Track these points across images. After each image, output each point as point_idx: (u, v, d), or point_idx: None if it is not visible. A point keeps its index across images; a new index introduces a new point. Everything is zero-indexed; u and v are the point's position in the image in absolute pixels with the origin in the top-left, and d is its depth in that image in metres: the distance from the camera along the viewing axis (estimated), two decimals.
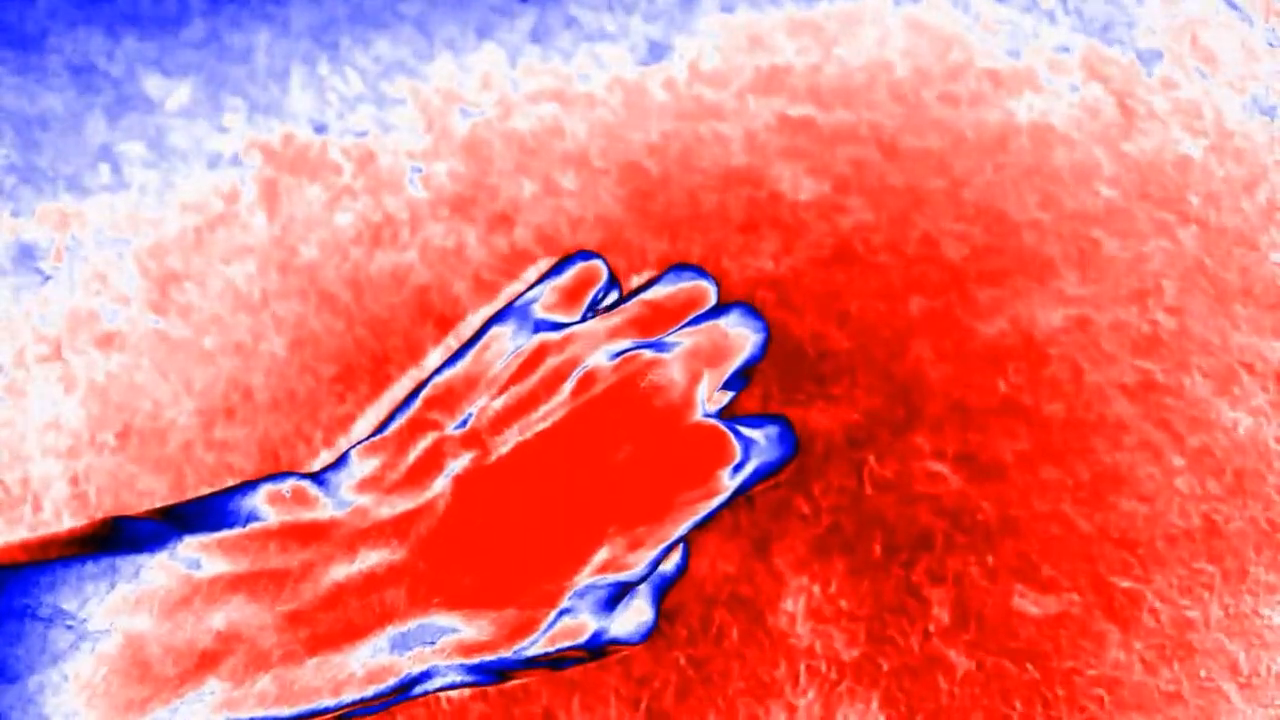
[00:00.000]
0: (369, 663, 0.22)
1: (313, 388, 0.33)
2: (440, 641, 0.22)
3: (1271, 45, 0.38)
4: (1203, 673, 0.30)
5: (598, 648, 0.24)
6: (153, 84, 0.36)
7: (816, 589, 0.31)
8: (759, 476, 0.26)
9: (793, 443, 0.27)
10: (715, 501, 0.25)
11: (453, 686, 0.23)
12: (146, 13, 0.37)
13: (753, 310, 0.27)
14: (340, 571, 0.22)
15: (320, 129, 0.36)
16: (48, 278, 0.34)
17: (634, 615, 0.25)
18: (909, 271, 0.35)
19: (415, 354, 0.33)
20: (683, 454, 0.24)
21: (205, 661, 0.20)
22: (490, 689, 0.30)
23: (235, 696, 0.20)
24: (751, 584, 0.31)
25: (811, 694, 0.30)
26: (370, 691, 0.22)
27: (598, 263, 0.28)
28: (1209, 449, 0.32)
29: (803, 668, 0.30)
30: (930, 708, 0.30)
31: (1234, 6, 0.38)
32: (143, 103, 0.36)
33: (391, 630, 0.22)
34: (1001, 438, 0.33)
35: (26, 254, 0.34)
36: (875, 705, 0.30)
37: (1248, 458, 0.32)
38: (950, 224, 0.35)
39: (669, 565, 0.27)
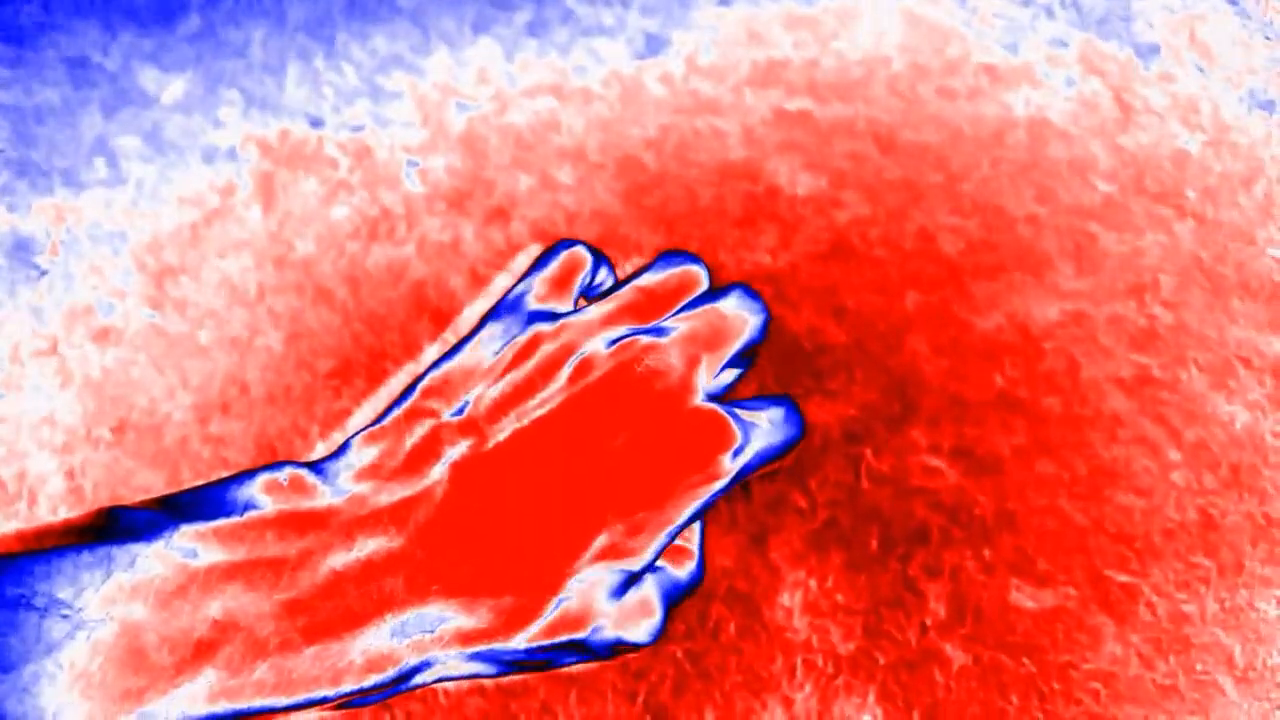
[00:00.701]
0: (368, 651, 0.22)
1: (309, 382, 0.33)
2: (439, 629, 0.22)
3: (1269, 40, 0.38)
4: (1199, 666, 0.30)
5: (605, 648, 0.24)
6: (149, 78, 0.36)
7: (813, 583, 0.31)
8: (765, 459, 0.26)
9: (799, 424, 0.27)
10: (716, 486, 0.25)
11: (453, 678, 0.23)
12: (142, 7, 0.37)
13: (751, 292, 0.27)
14: (338, 560, 0.22)
15: (316, 123, 0.36)
16: (44, 272, 0.34)
17: (642, 615, 0.25)
18: (906, 266, 0.35)
19: (412, 349, 0.33)
20: (682, 438, 0.24)
21: (202, 650, 0.20)
22: (488, 684, 0.30)
23: (232, 685, 0.20)
24: (748, 578, 0.31)
25: (808, 688, 0.30)
26: (369, 681, 0.22)
27: (579, 249, 0.28)
28: (1205, 443, 0.32)
29: (799, 662, 0.30)
30: (927, 701, 0.30)
31: (1232, 1, 0.38)
32: (139, 97, 0.36)
33: (390, 619, 0.22)
34: (998, 432, 0.33)
35: (22, 248, 0.34)
36: (872, 699, 0.30)
37: (1244, 452, 0.32)
38: (947, 218, 0.35)
39: (681, 571, 0.27)
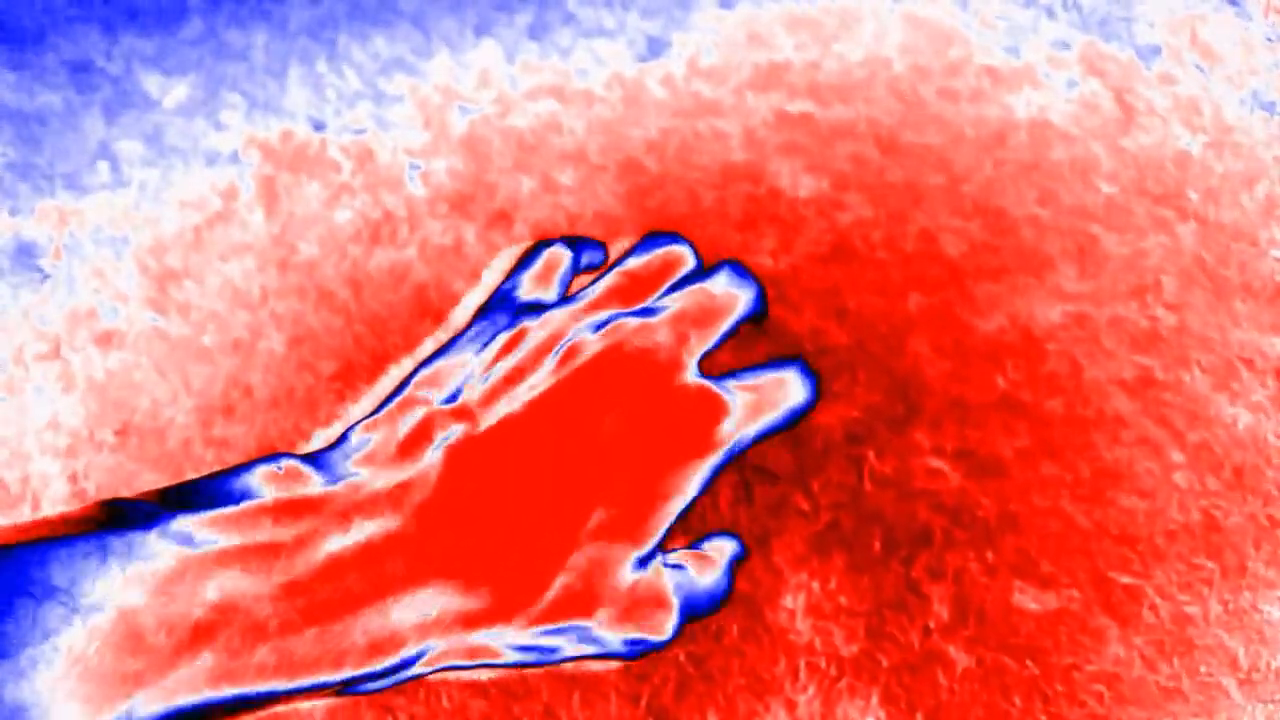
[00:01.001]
0: (370, 633, 0.22)
1: (311, 385, 0.33)
2: (439, 612, 0.22)
3: (1270, 41, 0.38)
4: (1202, 668, 0.30)
5: (619, 643, 0.24)
6: (151, 81, 0.36)
7: (816, 585, 0.31)
8: (773, 428, 0.26)
9: (811, 388, 0.27)
10: (711, 461, 0.25)
11: (459, 668, 0.23)
12: (145, 10, 0.37)
13: (741, 269, 0.27)
14: (336, 543, 0.22)
15: (318, 126, 0.36)
16: (46, 276, 0.34)
17: (653, 606, 0.25)
18: (908, 268, 0.35)
19: (414, 351, 0.33)
20: (671, 415, 0.24)
21: (200, 633, 0.20)
22: (491, 686, 0.30)
23: (233, 668, 0.20)
24: (751, 580, 0.31)
25: (811, 690, 0.30)
26: (371, 665, 0.22)
27: (558, 247, 0.28)
28: (1208, 445, 0.32)
29: (802, 664, 0.30)
30: (930, 704, 0.30)
31: (1233, 2, 0.38)
32: (141, 100, 0.36)
33: (391, 601, 0.22)
34: (1000, 434, 0.33)
35: (25, 252, 0.34)
36: (875, 701, 0.30)
37: (1247, 453, 0.32)
38: (949, 220, 0.35)
39: (703, 576, 0.26)
